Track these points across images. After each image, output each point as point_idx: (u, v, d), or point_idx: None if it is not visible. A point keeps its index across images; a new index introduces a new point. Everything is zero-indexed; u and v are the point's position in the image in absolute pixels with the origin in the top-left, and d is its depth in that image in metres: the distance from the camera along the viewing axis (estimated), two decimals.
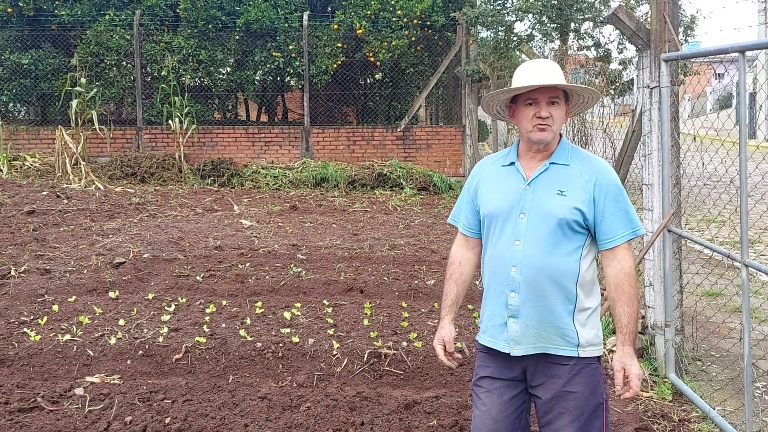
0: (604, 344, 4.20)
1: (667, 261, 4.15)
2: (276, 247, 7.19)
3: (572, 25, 11.61)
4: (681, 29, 10.96)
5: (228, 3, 12.95)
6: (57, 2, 12.87)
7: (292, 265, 6.43)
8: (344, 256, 6.88)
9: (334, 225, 8.70)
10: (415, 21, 12.69)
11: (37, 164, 11.99)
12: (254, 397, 3.78)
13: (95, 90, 12.26)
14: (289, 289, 5.77)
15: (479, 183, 2.49)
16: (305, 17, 12.80)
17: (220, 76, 13.39)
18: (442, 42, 14.03)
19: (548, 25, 11.26)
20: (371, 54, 12.93)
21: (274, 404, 3.71)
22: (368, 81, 15.86)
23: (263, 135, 13.02)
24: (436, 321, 4.94)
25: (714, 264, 6.56)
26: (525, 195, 2.34)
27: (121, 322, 4.84)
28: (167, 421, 3.52)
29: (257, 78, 13.72)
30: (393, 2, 12.73)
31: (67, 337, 4.53)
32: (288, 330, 4.70)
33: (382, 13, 12.77)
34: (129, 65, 13.17)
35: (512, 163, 2.42)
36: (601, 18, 10.95)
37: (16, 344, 4.43)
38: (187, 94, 12.76)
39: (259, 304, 5.25)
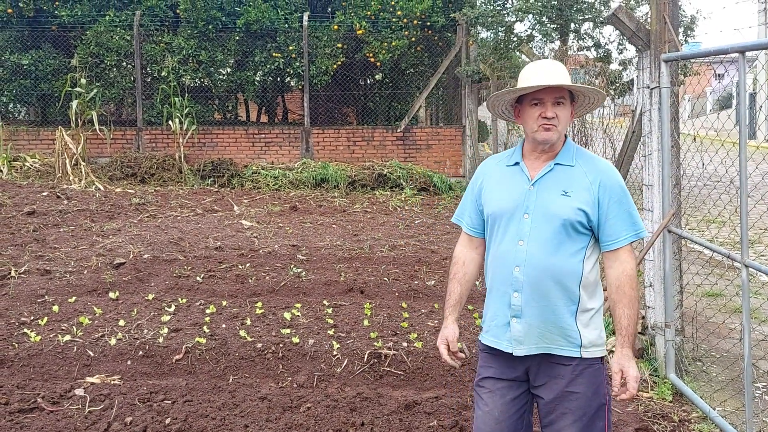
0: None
1: (668, 261, 4.15)
2: (276, 248, 7.19)
3: (572, 25, 11.61)
4: (681, 30, 10.96)
5: (228, 4, 12.95)
6: (57, 3, 12.87)
7: (292, 266, 6.43)
8: (344, 257, 6.88)
9: (334, 225, 8.70)
10: (415, 21, 12.69)
11: (37, 165, 11.99)
12: (254, 398, 3.79)
13: (95, 91, 12.27)
14: (289, 290, 5.77)
15: (483, 182, 2.49)
16: (305, 18, 12.80)
17: (220, 77, 13.39)
18: (442, 42, 14.03)
19: (548, 25, 11.26)
20: (371, 54, 12.93)
21: (274, 405, 3.71)
22: (368, 81, 15.86)
23: (263, 135, 13.03)
24: (436, 321, 4.94)
25: (714, 264, 6.56)
26: (529, 195, 2.34)
27: (122, 322, 4.84)
28: (167, 421, 3.52)
29: (257, 78, 13.72)
30: (393, 3, 12.74)
31: (68, 337, 4.53)
32: (288, 330, 4.70)
33: (382, 13, 12.77)
34: (129, 66, 13.17)
35: (517, 163, 2.42)
36: (601, 18, 10.95)
37: (17, 345, 4.43)
38: (187, 95, 12.76)
39: (260, 304, 5.25)
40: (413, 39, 12.98)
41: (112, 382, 4.02)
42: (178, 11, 12.85)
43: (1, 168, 11.63)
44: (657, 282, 4.23)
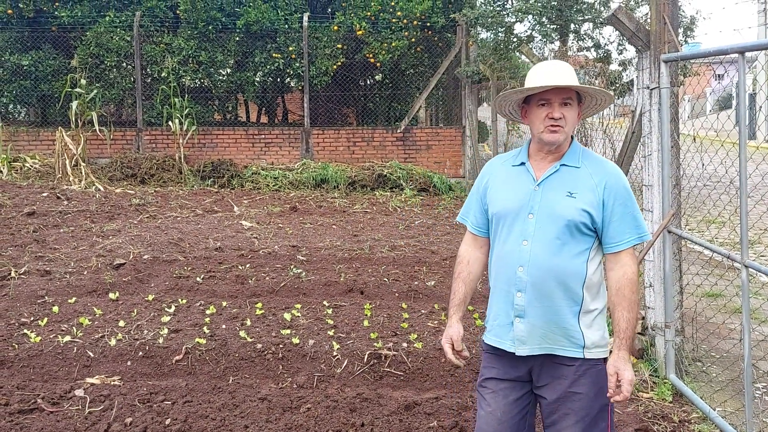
0: None
1: (667, 262, 4.15)
2: (276, 249, 7.19)
3: (572, 26, 11.60)
4: (681, 30, 10.95)
5: (228, 4, 12.96)
6: (57, 4, 12.87)
7: (292, 267, 6.43)
8: (344, 257, 6.88)
9: (334, 226, 8.70)
10: (415, 22, 12.70)
11: (37, 165, 11.99)
12: (254, 399, 3.79)
13: (95, 91, 12.27)
14: (289, 290, 5.77)
15: (489, 182, 2.50)
16: (305, 18, 12.81)
17: (220, 78, 13.40)
18: (442, 43, 14.04)
19: (548, 26, 11.26)
20: (371, 55, 12.94)
21: (274, 405, 3.71)
22: (368, 82, 15.87)
23: (263, 136, 13.03)
24: (436, 322, 4.95)
25: (714, 265, 6.56)
26: (534, 195, 2.35)
27: (122, 323, 4.84)
28: (167, 422, 3.52)
29: (257, 79, 13.73)
30: (393, 3, 12.74)
31: (68, 338, 4.53)
32: (288, 331, 4.70)
33: (382, 14, 12.78)
34: (129, 66, 13.17)
35: (523, 164, 2.43)
36: (600, 19, 10.95)
37: (17, 345, 4.43)
38: (187, 96, 12.77)
39: (260, 305, 5.25)
40: (413, 40, 12.99)
41: (112, 383, 4.02)
42: (178, 12, 12.86)
43: (1, 169, 11.63)
44: (657, 282, 4.23)
